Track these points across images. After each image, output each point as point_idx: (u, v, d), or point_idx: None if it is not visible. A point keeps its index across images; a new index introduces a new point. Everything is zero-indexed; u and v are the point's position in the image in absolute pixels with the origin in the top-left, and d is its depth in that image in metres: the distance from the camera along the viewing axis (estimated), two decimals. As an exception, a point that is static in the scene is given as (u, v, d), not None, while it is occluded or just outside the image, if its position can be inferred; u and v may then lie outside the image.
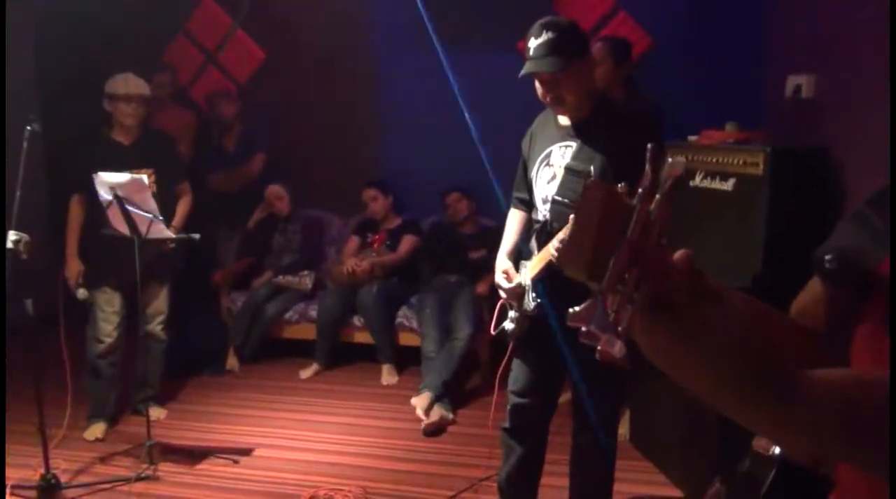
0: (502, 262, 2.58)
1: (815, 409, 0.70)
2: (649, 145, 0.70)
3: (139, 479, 3.30)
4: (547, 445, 2.72)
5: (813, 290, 1.14)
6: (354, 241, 4.96)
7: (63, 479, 3.18)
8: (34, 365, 3.01)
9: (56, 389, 3.49)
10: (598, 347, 0.72)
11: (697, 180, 3.24)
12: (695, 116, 3.77)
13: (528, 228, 2.61)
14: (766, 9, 4.29)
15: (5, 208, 3.09)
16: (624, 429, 3.51)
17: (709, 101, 4.16)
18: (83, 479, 3.35)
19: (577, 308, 0.74)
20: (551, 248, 2.25)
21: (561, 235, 2.22)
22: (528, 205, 2.62)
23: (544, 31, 2.26)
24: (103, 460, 3.54)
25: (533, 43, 2.28)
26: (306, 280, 4.87)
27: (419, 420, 3.85)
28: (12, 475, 3.31)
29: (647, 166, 0.70)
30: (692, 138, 3.50)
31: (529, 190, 2.56)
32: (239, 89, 5.36)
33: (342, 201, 5.22)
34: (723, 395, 0.73)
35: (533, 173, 2.49)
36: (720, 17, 4.51)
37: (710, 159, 3.20)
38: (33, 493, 3.05)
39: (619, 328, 0.69)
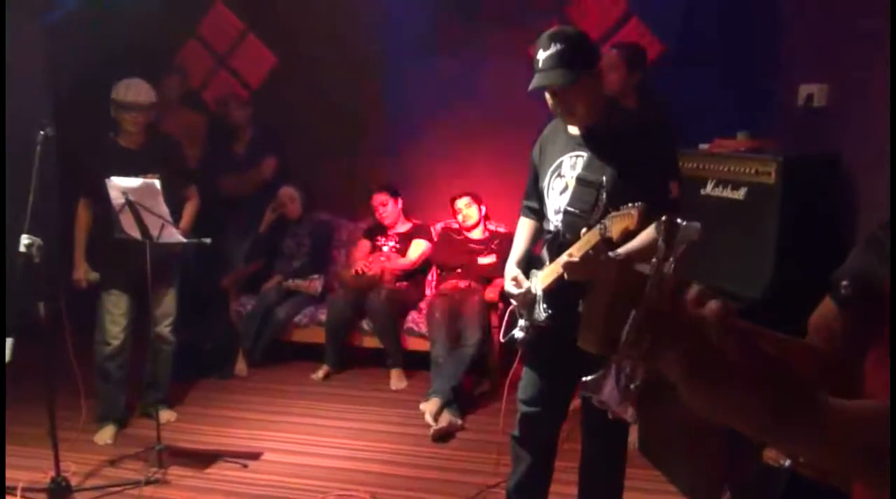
0: (511, 270, 2.58)
1: (845, 436, 0.71)
2: (663, 218, 0.72)
3: (149, 482, 3.31)
4: (556, 452, 2.72)
5: (827, 310, 1.14)
6: (364, 244, 4.97)
7: (73, 482, 3.21)
8: (45, 368, 3.03)
9: (67, 392, 3.51)
10: (611, 410, 0.75)
11: (709, 189, 3.23)
12: (706, 124, 3.77)
13: (538, 236, 2.62)
14: (779, 17, 4.28)
15: (5, 212, 3.11)
16: (633, 438, 3.50)
17: (720, 110, 4.16)
18: (93, 482, 3.36)
19: (589, 378, 0.77)
20: (561, 262, 2.25)
21: (572, 250, 2.22)
22: (538, 213, 2.62)
23: (553, 43, 2.24)
24: (113, 463, 3.55)
25: (541, 55, 2.26)
26: (316, 284, 4.88)
27: (428, 426, 3.85)
28: (23, 477, 3.33)
29: (661, 240, 0.71)
30: (703, 146, 3.49)
31: (540, 199, 2.56)
32: (250, 93, 5.38)
33: (352, 205, 5.24)
34: (757, 426, 0.74)
35: (544, 184, 2.49)
36: (732, 25, 4.50)
37: (721, 168, 3.20)
38: (43, 495, 3.08)
39: (632, 386, 0.72)
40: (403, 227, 4.94)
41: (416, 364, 4.58)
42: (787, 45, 4.13)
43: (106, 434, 3.78)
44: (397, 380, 4.54)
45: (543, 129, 2.62)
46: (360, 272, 4.69)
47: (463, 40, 4.92)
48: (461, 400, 4.08)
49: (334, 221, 5.29)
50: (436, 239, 4.92)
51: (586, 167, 2.35)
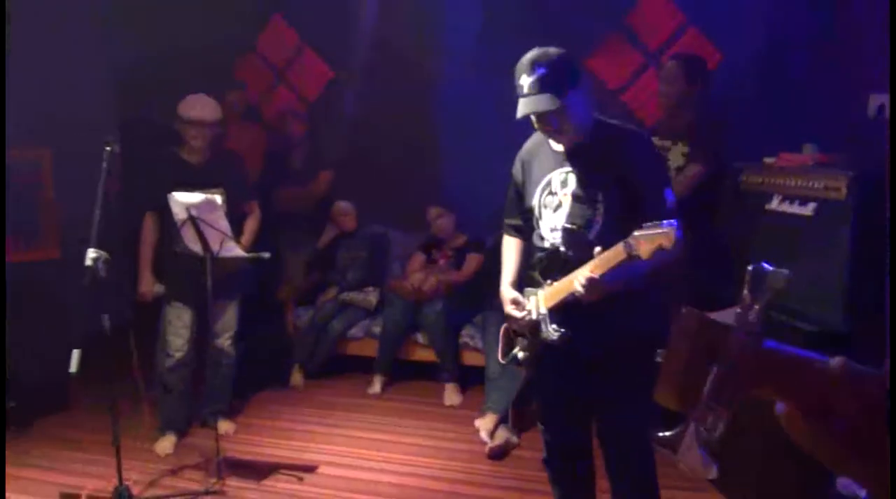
0: (510, 292, 2.53)
1: None
2: (749, 267, 0.70)
3: (207, 493, 3.35)
4: (595, 471, 2.63)
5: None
6: (419, 257, 4.97)
7: (135, 491, 3.27)
8: (109, 379, 3.10)
9: (131, 402, 3.58)
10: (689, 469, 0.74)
11: (774, 204, 3.13)
12: (770, 137, 3.66)
13: (527, 255, 2.57)
14: (847, 23, 4.14)
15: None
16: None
17: (785, 122, 4.04)
18: (154, 492, 3.42)
19: (666, 434, 0.76)
20: (578, 280, 2.20)
21: (592, 267, 2.17)
22: (521, 231, 2.59)
23: (535, 68, 2.22)
24: (173, 472, 3.61)
25: (525, 81, 2.24)
26: (371, 297, 4.90)
27: (483, 443, 3.81)
28: (87, 485, 3.42)
29: (746, 289, 0.70)
30: (768, 160, 3.39)
31: (524, 217, 2.52)
32: (307, 107, 5.45)
33: (406, 219, 5.24)
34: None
35: (535, 202, 2.44)
36: (796, 33, 4.37)
37: (787, 183, 3.10)
38: (107, 504, 3.15)
39: (714, 436, 0.71)
40: (458, 240, 4.92)
41: (471, 379, 4.56)
42: (856, 53, 4.00)
43: (166, 444, 3.84)
44: (452, 395, 4.50)
45: (523, 146, 2.59)
46: (416, 288, 4.69)
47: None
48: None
49: (389, 234, 5.31)
50: (491, 252, 4.89)
51: (579, 183, 2.33)
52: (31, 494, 3.41)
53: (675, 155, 3.74)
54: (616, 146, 2.32)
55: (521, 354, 2.52)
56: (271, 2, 5.55)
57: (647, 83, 4.72)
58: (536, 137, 2.50)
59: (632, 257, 2.08)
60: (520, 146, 4.55)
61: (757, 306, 0.68)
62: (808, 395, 0.68)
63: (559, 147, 2.39)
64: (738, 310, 0.69)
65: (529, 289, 2.48)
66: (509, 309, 2.50)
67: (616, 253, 2.12)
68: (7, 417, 3.94)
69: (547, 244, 2.41)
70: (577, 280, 2.21)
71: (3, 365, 3.24)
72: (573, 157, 2.36)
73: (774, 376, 0.69)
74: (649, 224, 2.04)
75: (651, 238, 2.04)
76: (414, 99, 5.23)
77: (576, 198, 2.33)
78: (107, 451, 3.23)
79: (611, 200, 2.28)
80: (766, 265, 0.71)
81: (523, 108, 2.25)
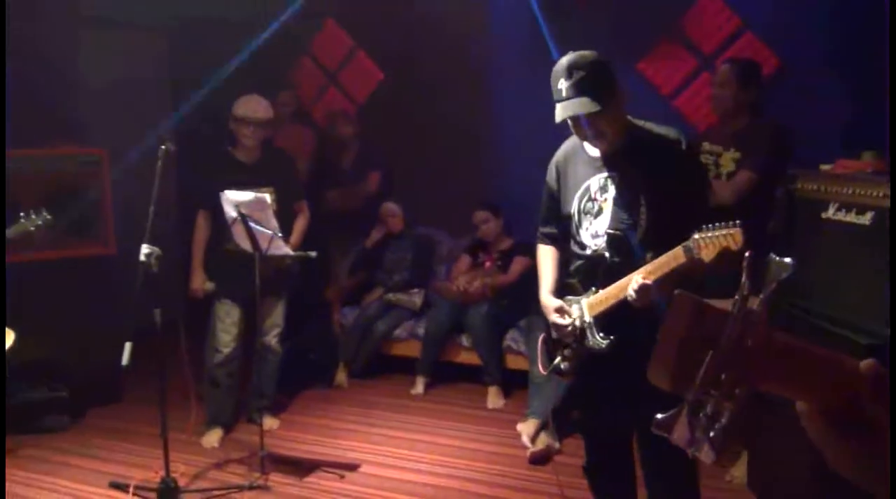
0: (552, 300, 2.48)
1: None
2: (746, 254, 0.68)
3: (251, 488, 3.40)
4: (635, 476, 2.58)
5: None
6: (465, 260, 4.97)
7: (181, 483, 3.33)
8: (159, 372, 3.17)
9: (180, 395, 3.66)
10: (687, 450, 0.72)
11: (830, 213, 3.04)
12: (827, 144, 3.58)
13: (564, 263, 2.53)
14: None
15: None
16: (740, 472, 3.33)
17: (843, 128, 3.94)
18: (199, 484, 3.49)
19: (661, 416, 0.74)
20: (633, 285, 2.16)
21: (644, 273, 2.15)
22: (556, 240, 2.56)
23: (574, 71, 2.20)
24: (218, 466, 3.68)
25: (563, 84, 2.21)
26: (416, 298, 4.91)
27: (524, 447, 3.79)
28: (135, 476, 3.50)
29: (744, 276, 0.68)
30: (825, 167, 3.30)
31: (560, 225, 2.49)
32: (357, 108, 5.50)
33: (453, 221, 5.25)
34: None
35: (573, 209, 2.41)
36: (855, 37, 4.25)
37: (845, 190, 3.00)
38: (153, 495, 3.21)
39: (717, 426, 0.69)
40: (506, 243, 4.91)
41: (514, 383, 4.53)
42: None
43: (213, 438, 3.92)
44: (495, 398, 4.49)
45: (556, 154, 2.56)
46: (462, 291, 4.70)
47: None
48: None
49: (436, 236, 5.32)
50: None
51: (620, 188, 2.30)
52: (81, 482, 3.51)
53: (727, 161, 3.67)
54: (652, 148, 2.30)
55: (563, 365, 2.49)
56: (326, 5, 5.62)
57: (701, 88, 4.64)
58: (570, 142, 2.48)
59: (692, 261, 2.05)
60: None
61: (760, 297, 0.66)
62: (829, 394, 0.66)
63: (595, 152, 2.37)
64: (736, 297, 0.68)
65: (570, 297, 2.44)
66: (554, 317, 2.46)
67: (674, 256, 2.09)
68: (60, 407, 4.08)
69: (588, 251, 2.38)
70: (634, 283, 2.18)
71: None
72: (611, 161, 2.34)
73: (787, 371, 0.66)
74: (710, 226, 2.00)
75: (714, 240, 1.99)
76: (463, 101, 5.23)
77: (617, 203, 2.30)
78: (155, 443, 3.32)
79: (653, 204, 2.25)
80: (773, 255, 0.69)
81: (562, 111, 2.23)
